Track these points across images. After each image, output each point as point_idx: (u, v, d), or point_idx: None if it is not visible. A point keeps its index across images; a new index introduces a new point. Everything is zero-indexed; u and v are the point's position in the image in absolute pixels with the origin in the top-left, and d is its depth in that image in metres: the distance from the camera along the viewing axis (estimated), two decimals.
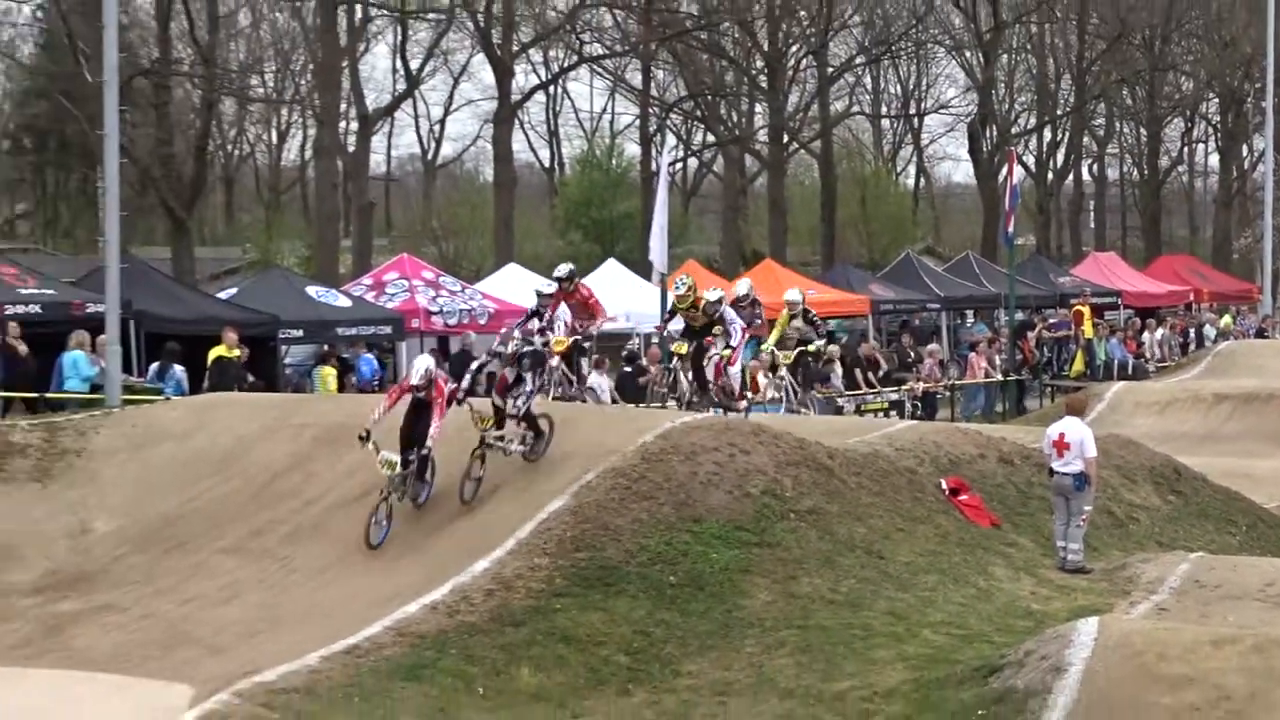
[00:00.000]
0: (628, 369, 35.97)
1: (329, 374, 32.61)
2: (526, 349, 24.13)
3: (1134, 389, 42.39)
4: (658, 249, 36.93)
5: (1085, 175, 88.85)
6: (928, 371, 42.60)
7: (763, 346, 30.55)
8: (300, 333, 34.29)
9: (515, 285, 40.94)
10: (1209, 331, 59.06)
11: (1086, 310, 51.00)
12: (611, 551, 21.83)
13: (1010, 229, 51.59)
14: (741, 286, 29.91)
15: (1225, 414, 41.52)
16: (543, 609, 20.98)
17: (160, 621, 20.25)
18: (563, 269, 27.98)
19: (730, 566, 21.86)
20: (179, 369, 30.19)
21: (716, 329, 26.20)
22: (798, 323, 30.69)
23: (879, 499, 24.20)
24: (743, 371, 27.83)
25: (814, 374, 31.18)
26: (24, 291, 31.20)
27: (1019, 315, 49.73)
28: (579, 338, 27.52)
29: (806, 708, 19.55)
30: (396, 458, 22.78)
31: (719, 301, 26.29)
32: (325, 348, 33.82)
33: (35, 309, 30.32)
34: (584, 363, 29.26)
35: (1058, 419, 25.70)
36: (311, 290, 37.01)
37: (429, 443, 23.07)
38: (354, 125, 61.55)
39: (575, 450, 23.53)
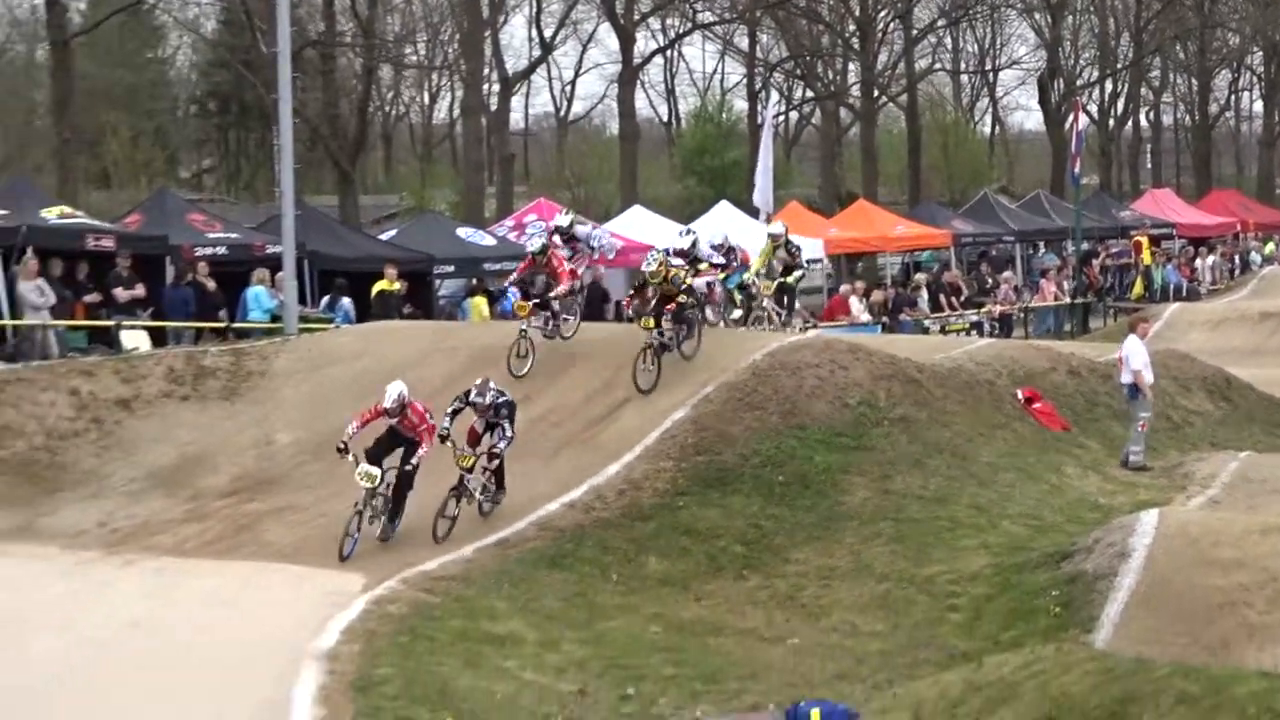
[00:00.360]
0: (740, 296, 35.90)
1: (480, 303, 32.68)
2: (502, 400, 21.26)
3: (1188, 309, 42.00)
4: (763, 191, 36.81)
5: (1143, 121, 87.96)
6: (1004, 296, 42.30)
7: (744, 275, 27.88)
8: (451, 268, 34.35)
9: (639, 224, 40.85)
10: (1254, 258, 58.54)
11: (1145, 240, 50.64)
12: (727, 455, 21.88)
13: (1076, 170, 51.21)
14: (777, 227, 28.83)
15: (1270, 330, 41.07)
16: (667, 506, 21.07)
17: (335, 520, 20.43)
18: (535, 243, 25.14)
19: (831, 467, 21.87)
20: (347, 301, 30.32)
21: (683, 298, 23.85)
22: (781, 253, 28.19)
23: (962, 407, 24.12)
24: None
25: (795, 299, 28.53)
26: (212, 235, 31.40)
27: (1084, 245, 49.28)
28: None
29: (900, 589, 19.56)
30: (378, 471, 20.44)
31: (694, 245, 25.47)
32: (474, 281, 33.88)
33: (222, 250, 30.53)
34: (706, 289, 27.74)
35: (1121, 338, 25.81)
36: (461, 231, 37.06)
37: (416, 457, 20.76)
38: (495, 87, 61.54)
39: (694, 369, 23.53)
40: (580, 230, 25.99)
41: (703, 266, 25.36)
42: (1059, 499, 22.43)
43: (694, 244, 25.52)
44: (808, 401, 22.84)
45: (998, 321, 40.45)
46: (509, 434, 21.21)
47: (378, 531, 20.48)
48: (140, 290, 27.93)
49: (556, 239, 25.36)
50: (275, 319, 28.41)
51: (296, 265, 28.63)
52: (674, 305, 23.62)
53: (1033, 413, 24.92)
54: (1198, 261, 53.50)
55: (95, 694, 16.03)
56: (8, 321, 25.98)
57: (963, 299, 41.01)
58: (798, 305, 28.74)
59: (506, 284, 26.04)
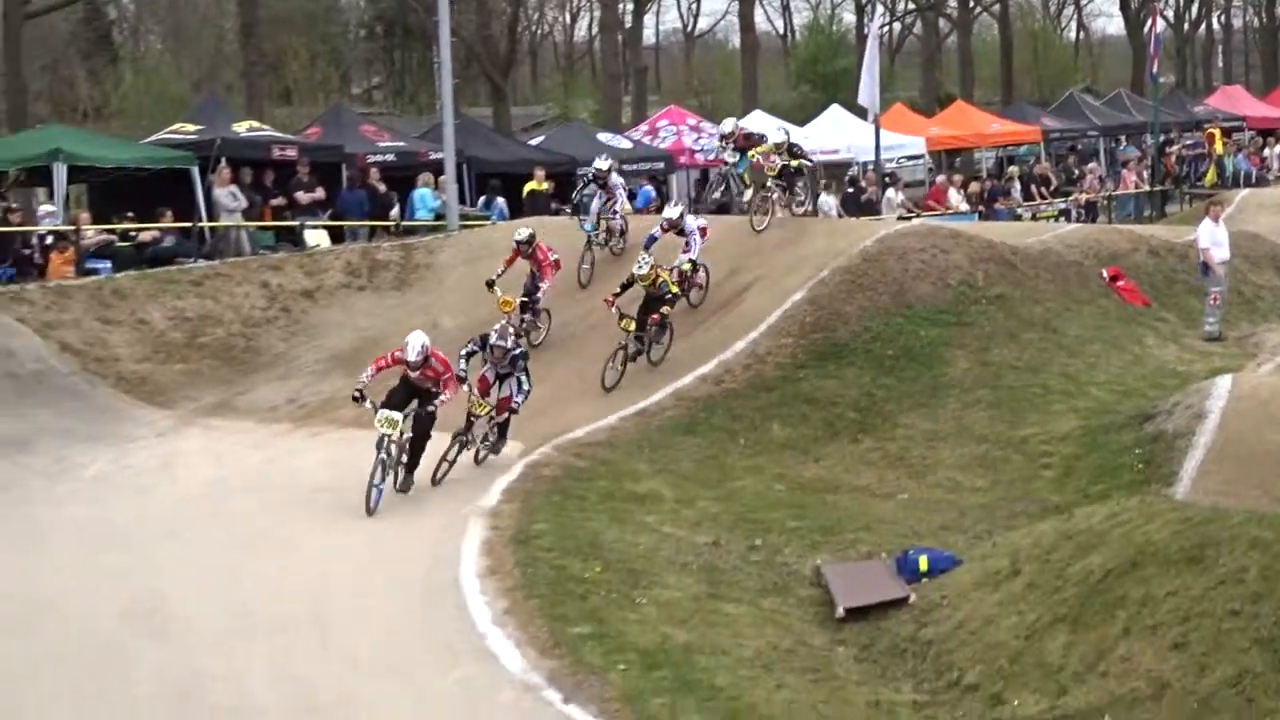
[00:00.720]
0: (850, 190, 35.63)
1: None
2: (519, 350, 19.20)
3: (1257, 194, 41.07)
4: (868, 92, 36.42)
5: (1215, 24, 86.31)
6: (1089, 185, 41.62)
7: (745, 173, 25.42)
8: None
9: (760, 128, 40.55)
10: None
11: (1217, 132, 49.67)
12: (841, 332, 21.81)
13: (1154, 70, 50.23)
14: (779, 135, 25.89)
15: None
16: (789, 377, 21.05)
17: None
18: (523, 233, 23.15)
19: (935, 341, 21.76)
20: (501, 200, 30.32)
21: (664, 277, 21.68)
22: (783, 158, 24.99)
23: (1052, 286, 23.87)
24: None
25: (808, 181, 26.05)
26: (381, 144, 31.47)
27: (1161, 138, 48.45)
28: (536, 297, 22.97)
29: (998, 450, 19.50)
30: (399, 415, 17.84)
31: (681, 216, 23.01)
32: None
33: (390, 157, 30.58)
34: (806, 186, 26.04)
35: (1196, 222, 25.58)
36: (601, 136, 36.92)
37: (437, 401, 18.38)
38: (629, 6, 61.12)
39: (811, 255, 23.39)
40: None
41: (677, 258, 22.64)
42: (1141, 367, 22.24)
43: (682, 214, 23.10)
44: (913, 282, 22.69)
45: (1084, 208, 39.84)
46: (526, 387, 19.09)
47: (396, 483, 18.06)
48: (320, 194, 28.09)
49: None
50: (439, 217, 28.46)
51: (456, 169, 28.67)
52: (658, 316, 21.58)
53: (1117, 290, 24.64)
54: (1266, 151, 52.35)
55: (285, 550, 16.30)
56: (206, 224, 26.23)
57: (1052, 188, 40.48)
58: (804, 188, 25.91)
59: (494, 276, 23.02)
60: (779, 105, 51.64)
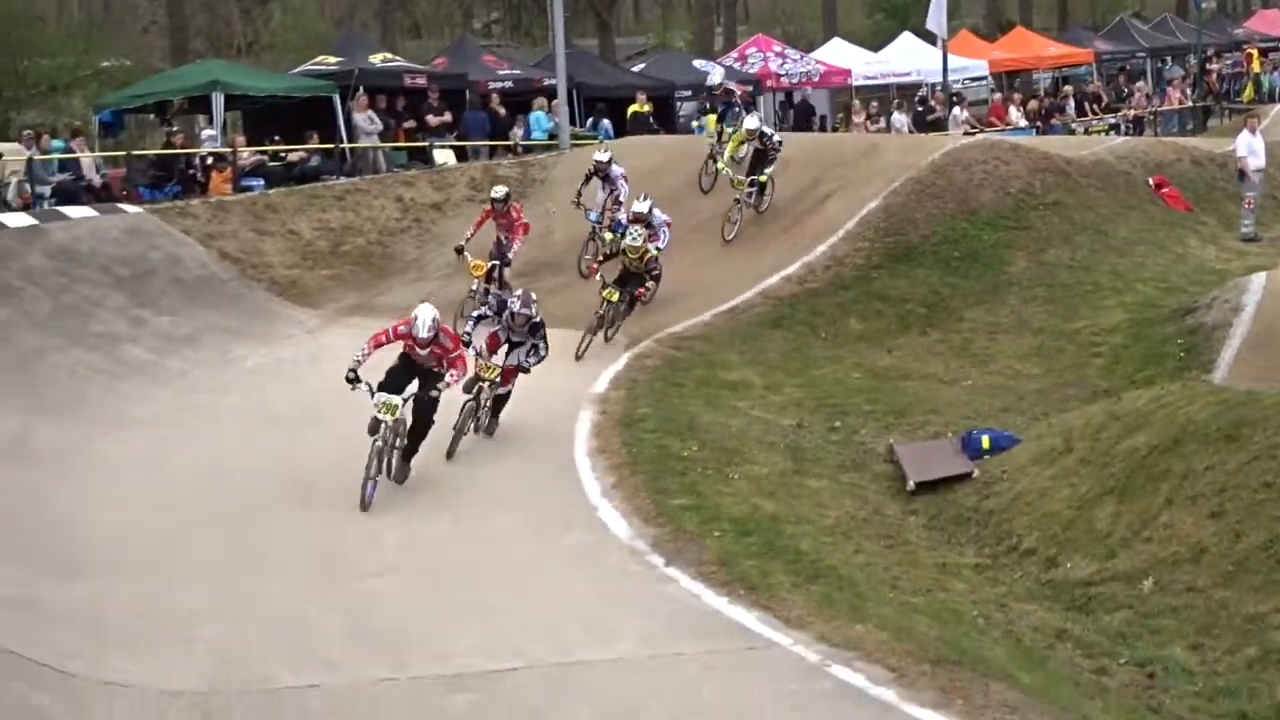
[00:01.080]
0: (920, 109, 35.22)
1: (712, 120, 32.32)
2: (539, 319, 16.17)
3: None
4: (937, 20, 35.89)
5: None
6: (1137, 101, 40.85)
7: (719, 165, 23.22)
8: (689, 93, 33.99)
9: (838, 53, 40.20)
10: None
11: (1255, 53, 48.57)
12: (912, 236, 21.68)
13: None
14: (753, 121, 23.25)
15: None
16: (864, 277, 20.98)
17: (595, 302, 20.13)
18: (499, 190, 20.96)
19: (996, 244, 21.62)
20: (606, 122, 30.16)
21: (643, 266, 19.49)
22: (754, 144, 22.89)
23: (1104, 193, 23.57)
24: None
25: (770, 190, 22.86)
26: (500, 72, 31.34)
27: (1204, 57, 47.48)
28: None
29: (1053, 341, 19.38)
30: (399, 400, 14.49)
31: (650, 210, 20.23)
32: (707, 103, 33.55)
33: (508, 84, 30.48)
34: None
35: (1235, 134, 25.22)
36: (695, 62, 36.57)
37: (444, 380, 14.91)
38: None
39: (885, 167, 23.18)
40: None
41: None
42: (1183, 265, 21.97)
43: (651, 209, 20.31)
44: (977, 191, 22.49)
45: (1132, 123, 39.13)
46: (543, 353, 16.15)
47: (391, 473, 14.76)
48: (447, 117, 28.08)
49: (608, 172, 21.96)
50: (552, 137, 28.39)
51: (567, 94, 28.58)
52: (644, 291, 19.56)
53: (1162, 196, 24.31)
54: None
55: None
56: (346, 145, 26.32)
57: (1103, 105, 39.81)
58: (768, 194, 23.19)
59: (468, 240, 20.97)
60: (855, 32, 50.96)
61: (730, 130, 23.82)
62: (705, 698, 10.76)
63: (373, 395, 14.47)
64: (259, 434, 16.38)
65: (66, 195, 22.82)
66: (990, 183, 22.66)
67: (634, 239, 19.20)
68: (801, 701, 10.65)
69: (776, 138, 23.24)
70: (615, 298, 19.25)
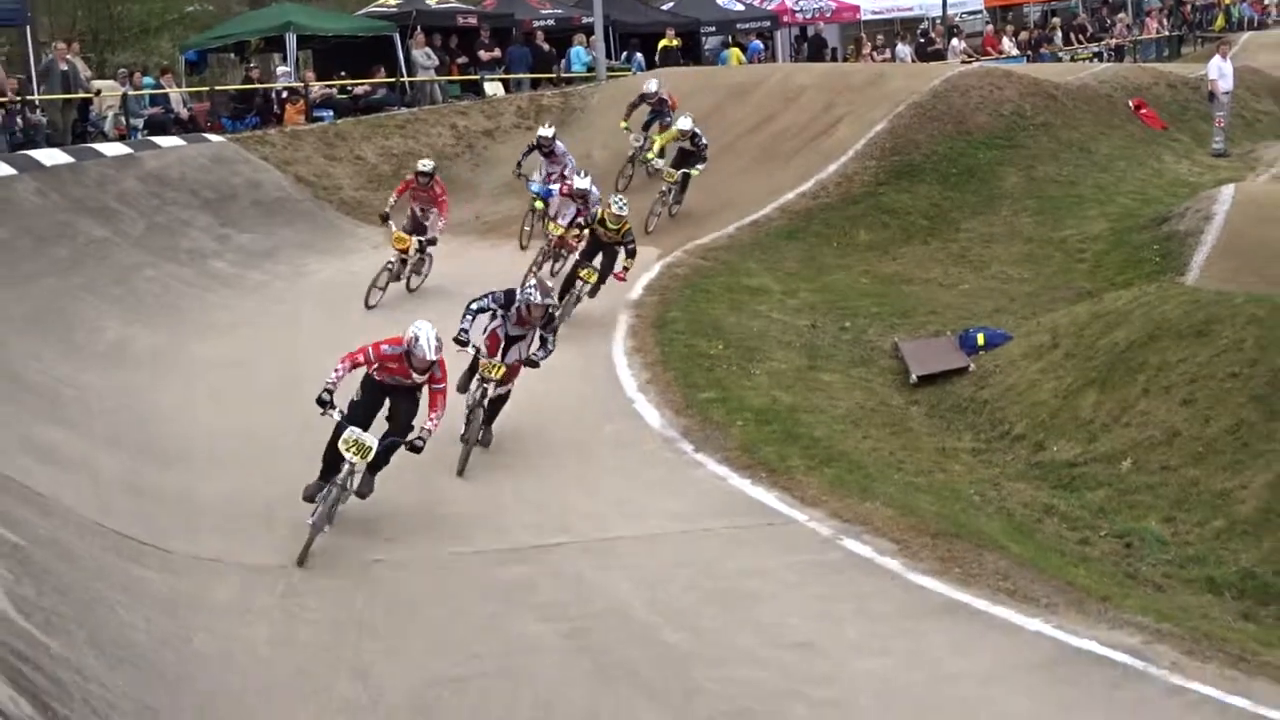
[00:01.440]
0: (921, 41, 34.71)
1: (736, 53, 31.95)
2: (554, 309, 13.54)
3: (1259, 36, 39.46)
4: None
5: None
6: (1118, 31, 40.25)
7: (648, 155, 21.30)
8: (714, 29, 33.62)
9: None
10: None
11: None
12: (914, 155, 21.43)
13: None
14: (685, 122, 20.59)
15: None
16: (872, 193, 20.77)
17: (639, 213, 19.90)
18: (426, 164, 18.14)
19: (991, 162, 21.38)
20: (639, 55, 29.83)
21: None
22: (685, 144, 20.39)
23: (1088, 115, 23.26)
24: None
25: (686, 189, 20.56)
26: (543, 11, 30.94)
27: None
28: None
29: (1041, 248, 19.24)
30: (373, 442, 11.11)
31: (590, 187, 17.87)
32: (730, 37, 33.16)
33: (551, 21, 30.12)
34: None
35: (1208, 59, 24.95)
36: (719, 1, 36.24)
37: (424, 428, 11.32)
38: None
39: (891, 93, 22.85)
40: (559, 147, 19.97)
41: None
42: (1159, 179, 21.72)
43: (590, 184, 18.01)
44: (973, 114, 22.21)
45: (1113, 51, 38.56)
46: (551, 346, 13.16)
47: (341, 502, 11.25)
48: (496, 53, 27.82)
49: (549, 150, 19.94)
50: (589, 69, 28.14)
51: (603, 30, 28.31)
52: (622, 274, 16.41)
53: (1140, 116, 24.00)
54: None
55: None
56: (406, 79, 26.13)
57: (1087, 35, 39.28)
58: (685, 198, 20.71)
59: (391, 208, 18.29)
60: None
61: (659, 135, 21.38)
62: (729, 567, 10.83)
63: (342, 427, 11.14)
64: (333, 339, 16.37)
65: (157, 127, 22.75)
66: (985, 106, 22.38)
67: (621, 208, 16.26)
68: (816, 570, 10.72)
69: (704, 140, 20.55)
70: (594, 279, 16.29)
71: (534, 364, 13.16)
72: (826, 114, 23.07)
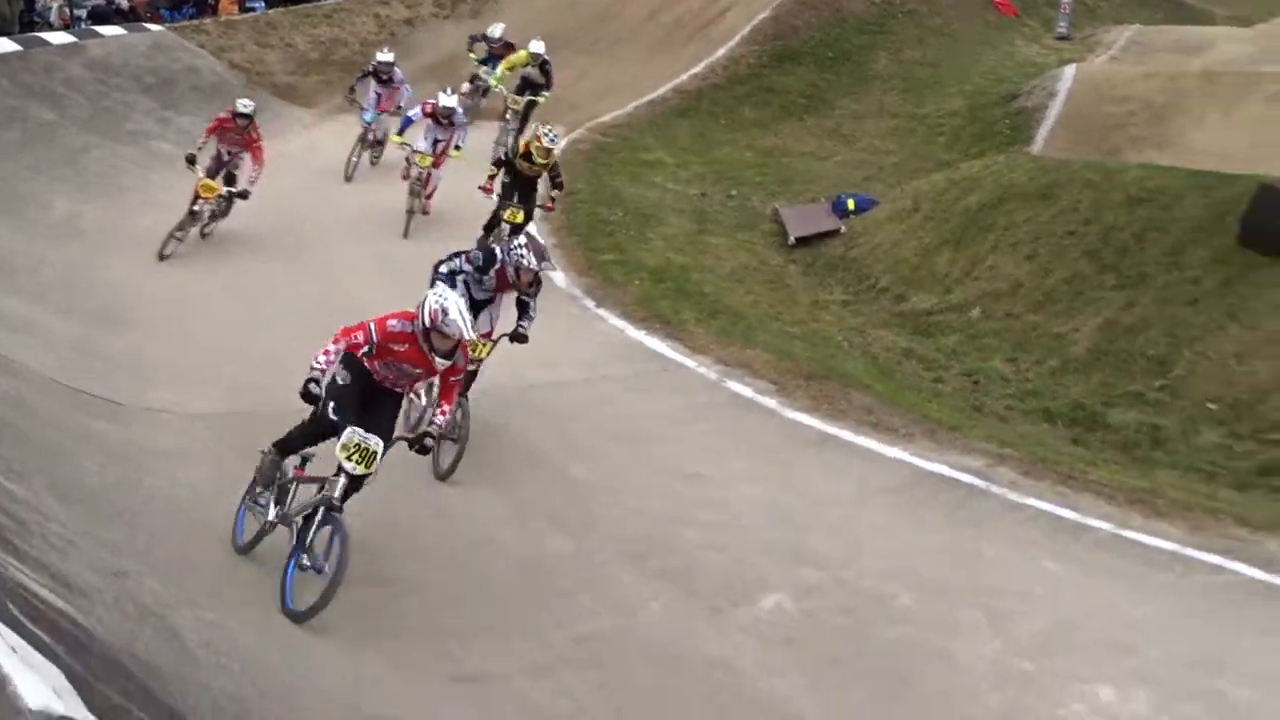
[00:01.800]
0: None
1: None
2: (550, 268, 10.72)
3: None
4: None
5: None
6: None
7: (492, 79, 18.29)
8: None
9: None
10: None
11: None
12: (794, 40, 21.22)
13: None
14: (538, 45, 18.11)
15: None
16: (756, 74, 20.58)
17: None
18: (246, 105, 14.84)
19: (863, 46, 21.22)
20: None
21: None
22: (532, 71, 17.99)
23: (953, 10, 23.10)
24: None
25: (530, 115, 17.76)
26: None
27: None
28: None
29: (906, 123, 19.20)
30: (379, 447, 7.73)
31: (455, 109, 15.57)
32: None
33: None
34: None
35: None
36: None
37: (433, 421, 8.40)
38: None
39: None
40: (398, 74, 17.82)
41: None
42: (1010, 61, 21.66)
43: (457, 103, 15.74)
44: (848, 2, 22.01)
45: None
46: (532, 314, 10.12)
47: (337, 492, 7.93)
48: None
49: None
50: None
51: None
52: (551, 206, 14.02)
53: (995, 4, 23.87)
54: None
55: (395, 195, 16.06)
56: None
57: None
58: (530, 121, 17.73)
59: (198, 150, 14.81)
60: None
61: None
62: (630, 408, 10.88)
63: (342, 427, 7.85)
64: (267, 210, 16.03)
65: (100, 17, 21.97)
66: None
67: (552, 140, 13.36)
68: (705, 409, 10.80)
69: (551, 67, 18.20)
70: (520, 219, 13.35)
71: (522, 338, 10.10)
72: (715, 4, 22.74)
